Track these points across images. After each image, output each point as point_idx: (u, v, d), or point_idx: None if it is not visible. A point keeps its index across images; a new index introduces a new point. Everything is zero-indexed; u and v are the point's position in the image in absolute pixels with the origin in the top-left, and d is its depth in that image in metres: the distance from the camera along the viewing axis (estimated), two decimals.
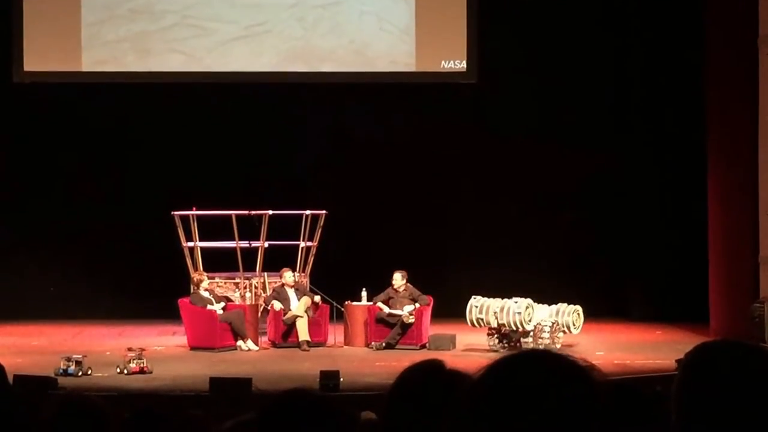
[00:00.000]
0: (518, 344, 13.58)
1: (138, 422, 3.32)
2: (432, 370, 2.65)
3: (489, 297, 13.83)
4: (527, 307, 13.53)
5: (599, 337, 14.93)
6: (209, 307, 14.24)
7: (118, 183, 17.50)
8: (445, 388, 2.43)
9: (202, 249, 15.73)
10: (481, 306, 13.67)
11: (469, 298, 13.91)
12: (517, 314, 13.46)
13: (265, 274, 15.36)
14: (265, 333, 14.65)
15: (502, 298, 13.72)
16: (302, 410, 2.64)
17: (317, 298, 14.57)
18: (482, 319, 13.67)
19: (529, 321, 13.51)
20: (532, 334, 13.55)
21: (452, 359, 13.24)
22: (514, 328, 13.52)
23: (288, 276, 14.74)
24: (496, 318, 13.55)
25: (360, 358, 13.41)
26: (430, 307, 14.50)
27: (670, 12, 16.98)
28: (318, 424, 2.63)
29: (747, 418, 2.06)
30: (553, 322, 13.70)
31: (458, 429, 1.76)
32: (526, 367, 1.77)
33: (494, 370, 1.78)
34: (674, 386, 2.16)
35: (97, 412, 3.20)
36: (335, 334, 14.51)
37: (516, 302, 13.59)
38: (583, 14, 17.55)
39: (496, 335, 13.76)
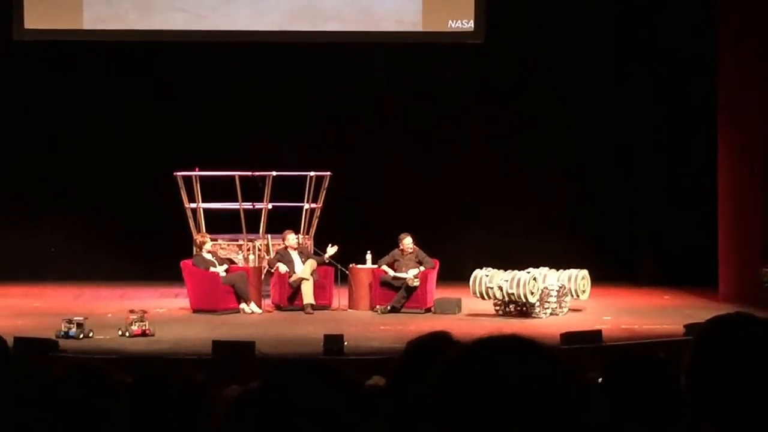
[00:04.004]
0: (525, 308, 13.45)
1: (141, 388, 3.23)
2: (439, 343, 2.64)
3: (493, 267, 13.64)
4: (533, 278, 13.31)
5: (606, 301, 14.81)
6: (212, 269, 14.09)
7: (120, 142, 17.34)
8: None
9: (205, 210, 15.61)
10: (480, 278, 13.50)
11: (475, 261, 13.75)
12: (508, 280, 13.27)
13: (269, 236, 15.24)
14: (268, 296, 14.51)
15: (506, 270, 13.52)
16: (305, 378, 2.55)
17: (331, 250, 14.28)
18: (474, 284, 13.53)
19: (533, 293, 13.30)
20: (538, 299, 13.40)
21: (458, 324, 13.06)
22: (523, 300, 13.36)
23: (291, 238, 14.58)
24: (501, 291, 13.39)
25: (364, 322, 13.28)
26: (436, 271, 14.35)
27: None
28: (322, 392, 2.53)
29: (759, 392, 2.08)
30: (560, 287, 13.57)
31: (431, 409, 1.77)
32: (500, 354, 1.77)
33: (468, 356, 1.78)
34: (687, 359, 2.18)
35: (105, 380, 3.09)
36: (339, 297, 14.39)
37: (507, 272, 13.43)
38: None
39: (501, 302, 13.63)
